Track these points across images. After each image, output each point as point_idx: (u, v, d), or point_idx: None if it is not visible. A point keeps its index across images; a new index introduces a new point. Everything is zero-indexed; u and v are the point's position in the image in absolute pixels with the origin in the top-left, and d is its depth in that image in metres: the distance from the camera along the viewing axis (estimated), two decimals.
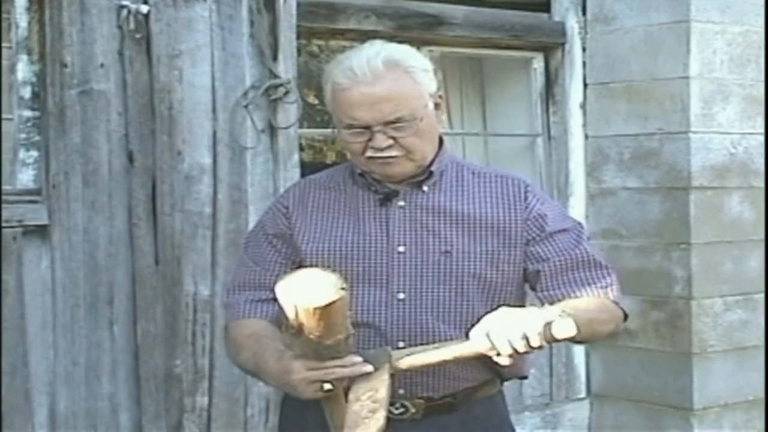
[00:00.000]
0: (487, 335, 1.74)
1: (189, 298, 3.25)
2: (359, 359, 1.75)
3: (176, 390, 3.25)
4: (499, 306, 1.93)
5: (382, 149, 1.89)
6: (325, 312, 1.66)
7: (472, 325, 1.86)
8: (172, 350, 3.23)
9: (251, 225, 3.19)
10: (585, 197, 4.19)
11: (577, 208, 4.16)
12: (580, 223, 2.04)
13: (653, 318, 4.01)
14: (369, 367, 1.74)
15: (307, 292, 1.65)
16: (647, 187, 4.01)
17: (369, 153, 1.90)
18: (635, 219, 4.05)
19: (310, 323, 1.67)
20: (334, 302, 1.65)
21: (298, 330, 1.69)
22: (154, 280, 3.22)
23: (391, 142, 1.89)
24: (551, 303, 1.90)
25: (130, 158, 3.19)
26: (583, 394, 4.24)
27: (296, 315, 1.67)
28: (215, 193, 3.28)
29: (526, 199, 1.98)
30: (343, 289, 1.66)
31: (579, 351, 4.18)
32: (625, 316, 2.00)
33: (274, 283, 1.97)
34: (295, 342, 1.73)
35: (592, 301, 1.93)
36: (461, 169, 2.03)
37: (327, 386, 1.72)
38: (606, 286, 1.96)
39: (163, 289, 3.22)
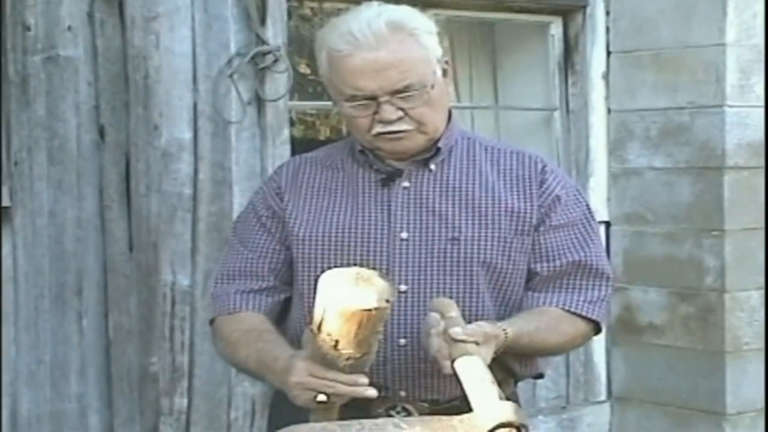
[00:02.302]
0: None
1: (166, 288, 3.24)
2: (365, 381, 1.73)
3: (152, 390, 3.25)
4: (508, 298, 1.95)
5: (391, 122, 1.89)
6: (355, 318, 1.65)
7: (479, 319, 1.86)
8: (148, 346, 3.23)
9: (236, 207, 3.19)
10: (607, 178, 4.19)
11: (598, 190, 4.16)
12: (591, 213, 2.04)
13: (682, 312, 4.01)
14: (373, 392, 1.73)
15: (347, 290, 1.64)
16: (676, 167, 4.01)
17: (377, 129, 1.90)
18: (663, 202, 4.04)
19: (333, 324, 1.67)
20: (369, 311, 1.64)
21: (318, 328, 1.69)
22: (127, 269, 3.22)
23: (400, 113, 1.89)
24: (522, 304, 1.96)
25: (101, 133, 3.18)
26: (603, 397, 4.25)
27: (324, 310, 1.67)
28: (196, 172, 3.28)
29: (543, 180, 1.98)
30: (387, 301, 1.65)
31: (599, 349, 4.19)
32: (597, 330, 2.02)
33: (268, 270, 1.99)
34: (311, 341, 1.73)
35: (552, 318, 1.95)
36: (472, 144, 2.02)
37: (321, 397, 1.72)
38: (591, 302, 1.98)
39: (137, 278, 3.22)
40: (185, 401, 3.29)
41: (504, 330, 1.82)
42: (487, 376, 1.68)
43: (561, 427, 4.16)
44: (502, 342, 1.80)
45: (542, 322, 1.93)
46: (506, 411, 1.62)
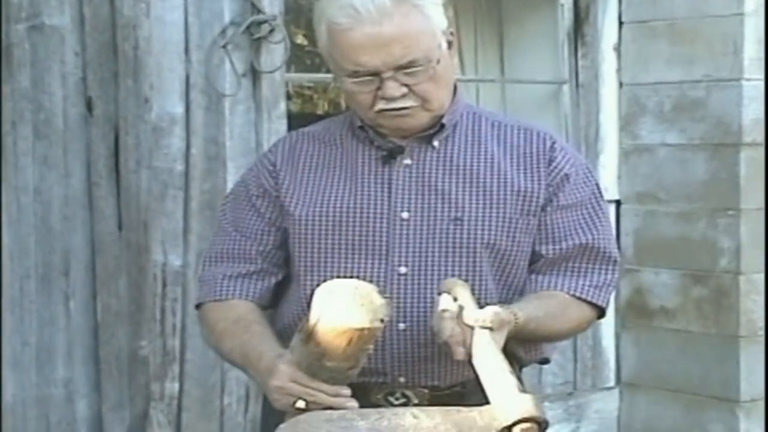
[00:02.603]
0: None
1: (157, 269, 3.24)
2: (347, 392, 1.75)
3: (142, 375, 3.25)
4: (511, 281, 1.96)
5: (395, 99, 1.88)
6: (346, 335, 1.67)
7: (482, 302, 1.86)
8: (138, 329, 3.24)
9: (230, 184, 3.18)
10: (618, 155, 4.18)
11: (609, 167, 4.16)
12: (600, 192, 2.04)
13: (695, 295, 4.01)
14: (354, 404, 1.74)
15: (342, 305, 1.66)
16: (691, 144, 4.00)
17: (380, 105, 1.89)
18: (676, 180, 4.04)
19: (324, 337, 1.69)
20: (361, 330, 1.66)
21: (308, 337, 1.70)
22: (116, 248, 3.22)
23: (404, 90, 1.88)
24: (526, 287, 1.97)
25: (89, 106, 3.17)
26: (611, 383, 4.26)
27: (317, 321, 1.68)
28: (188, 147, 3.27)
29: (552, 158, 1.98)
30: (381, 321, 1.67)
31: (608, 333, 4.20)
32: (601, 314, 2.03)
33: (256, 253, 1.99)
34: (298, 347, 1.74)
35: (560, 303, 1.96)
36: (478, 119, 2.02)
37: (300, 404, 1.74)
38: (597, 287, 1.99)
39: (127, 258, 3.22)
40: (176, 386, 3.30)
41: (515, 315, 1.82)
42: (505, 366, 1.68)
43: (567, 414, 4.16)
44: (512, 326, 1.81)
45: (549, 307, 1.93)
46: (527, 405, 1.63)
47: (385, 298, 1.69)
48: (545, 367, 3.83)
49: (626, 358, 4.24)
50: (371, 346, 1.72)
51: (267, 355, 1.83)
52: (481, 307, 1.82)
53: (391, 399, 1.93)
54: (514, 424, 1.61)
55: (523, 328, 1.83)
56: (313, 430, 1.66)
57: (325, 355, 1.70)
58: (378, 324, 1.67)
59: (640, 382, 4.20)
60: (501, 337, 1.75)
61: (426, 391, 1.94)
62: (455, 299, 1.79)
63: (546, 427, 1.63)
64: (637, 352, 4.20)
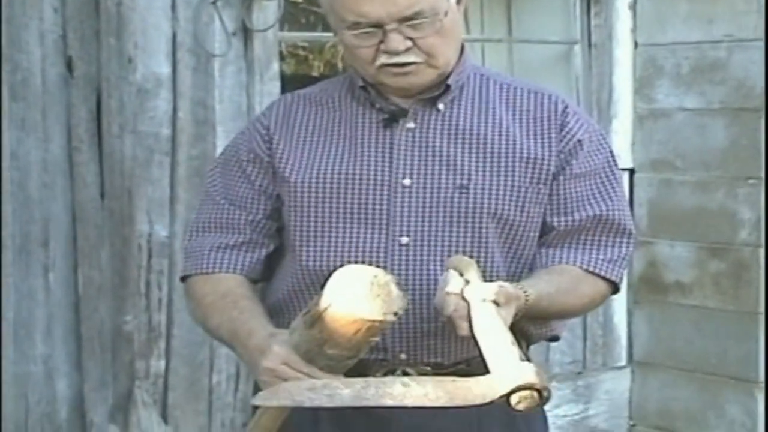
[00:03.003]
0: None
1: (142, 239, 3.25)
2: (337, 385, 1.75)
3: (126, 352, 3.26)
4: (520, 254, 1.96)
5: (398, 53, 1.88)
6: (355, 325, 1.68)
7: (489, 275, 1.87)
8: (121, 303, 3.24)
9: (219, 150, 3.17)
10: (632, 120, 4.17)
11: (622, 133, 4.15)
12: (615, 160, 2.05)
13: (712, 269, 4.02)
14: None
15: (357, 293, 1.66)
16: (710, 108, 3.99)
17: (382, 60, 1.89)
18: (694, 147, 4.03)
19: (331, 324, 1.69)
20: (372, 322, 1.67)
21: (314, 321, 1.70)
22: (99, 218, 3.22)
23: (409, 44, 1.88)
24: (536, 261, 1.98)
25: (69, 66, 3.16)
26: (623, 362, 4.27)
27: (327, 306, 1.68)
28: (175, 110, 3.27)
29: (564, 124, 1.98)
30: (395, 314, 1.67)
31: (619, 309, 4.21)
32: (615, 290, 2.04)
33: (245, 223, 1.99)
34: (300, 329, 1.74)
35: (572, 278, 1.96)
36: (486, 81, 2.02)
37: None
38: (611, 261, 1.99)
39: (110, 228, 3.22)
40: (162, 364, 3.31)
41: (525, 292, 1.82)
42: (508, 338, 1.68)
43: (576, 394, 4.18)
44: (522, 304, 1.81)
45: (562, 282, 1.94)
46: (526, 372, 1.62)
47: (402, 290, 1.69)
48: (553, 344, 3.87)
49: (639, 335, 4.24)
50: (378, 338, 1.73)
51: (258, 333, 1.83)
52: (488, 282, 1.82)
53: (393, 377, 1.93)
54: (512, 392, 1.61)
55: (534, 305, 1.83)
56: (295, 396, 1.67)
57: (328, 342, 1.70)
58: (391, 317, 1.67)
59: (654, 361, 4.21)
60: (508, 314, 1.76)
61: (428, 368, 1.94)
62: (461, 275, 1.79)
63: (548, 397, 1.63)
64: (650, 330, 4.21)
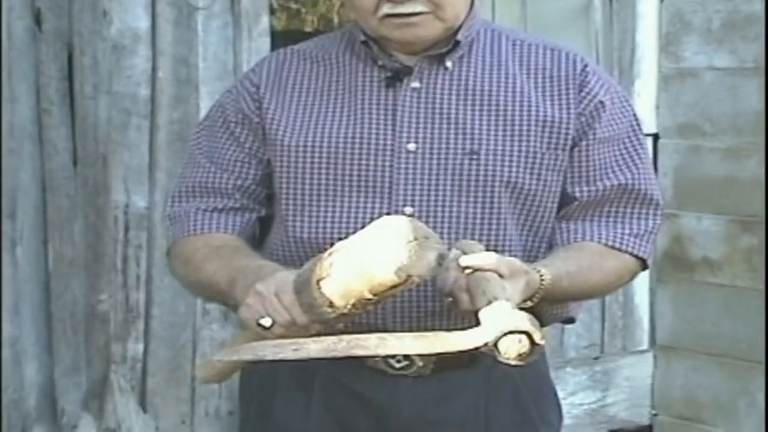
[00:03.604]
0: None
1: (119, 211, 3.25)
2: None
3: (101, 334, 3.27)
4: (536, 226, 1.97)
5: (403, 2, 1.88)
6: (373, 286, 1.68)
7: (502, 250, 1.88)
8: (96, 281, 3.25)
9: (203, 113, 3.17)
10: (657, 80, 4.17)
11: (646, 95, 4.15)
12: (639, 124, 2.06)
13: (743, 245, 4.02)
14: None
15: (383, 249, 1.66)
16: (742, 67, 3.98)
17: (385, 9, 1.89)
18: (724, 110, 4.03)
19: (345, 279, 1.69)
20: (392, 287, 1.67)
21: (320, 278, 1.71)
22: (71, 187, 3.22)
23: None
24: (555, 237, 2.00)
25: (38, 20, 3.16)
26: (645, 346, 4.29)
27: (342, 248, 1.70)
28: (154, 69, 3.27)
29: (583, 84, 1.99)
30: (409, 277, 1.67)
31: (641, 288, 4.22)
32: (644, 266, 2.06)
33: (234, 188, 2.01)
34: (306, 272, 1.75)
35: (594, 254, 1.98)
36: (497, 37, 2.02)
37: (266, 321, 1.76)
38: (638, 235, 2.01)
39: (83, 198, 3.23)
40: (141, 347, 3.32)
41: (539, 272, 1.83)
42: (503, 294, 1.69)
43: (593, 381, 4.19)
44: (537, 285, 1.82)
45: (583, 259, 1.95)
46: (515, 318, 1.64)
47: (441, 248, 1.69)
48: (568, 327, 3.88)
49: (662, 317, 4.26)
50: (378, 301, 1.73)
51: (271, 266, 1.85)
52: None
53: (392, 361, 1.94)
54: (499, 339, 1.63)
55: (552, 286, 1.85)
56: (257, 351, 1.70)
57: (333, 303, 1.71)
58: (413, 281, 1.67)
59: (678, 344, 4.22)
60: (515, 289, 1.76)
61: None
62: (464, 254, 1.79)
63: (540, 346, 1.64)
64: (674, 311, 4.22)
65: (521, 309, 1.71)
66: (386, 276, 1.67)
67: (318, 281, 1.72)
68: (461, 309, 1.76)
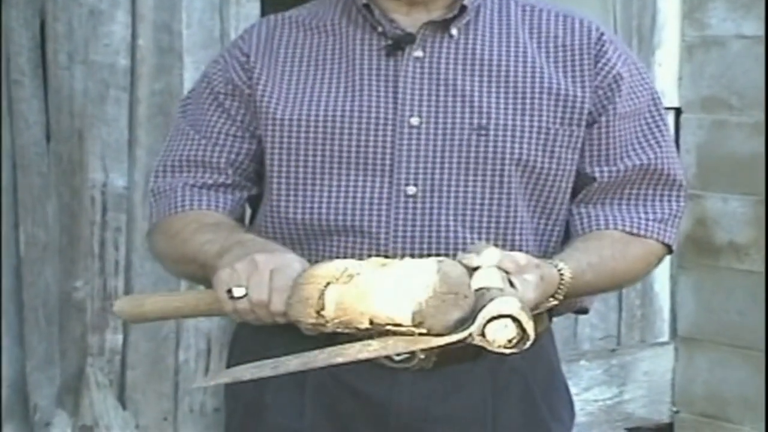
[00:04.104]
0: None
1: (95, 190, 3.25)
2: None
3: (76, 324, 3.28)
4: (549, 209, 1.98)
5: None
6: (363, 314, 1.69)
7: (512, 235, 1.89)
8: (71, 267, 3.25)
9: (187, 85, 3.18)
10: (679, 50, 4.18)
11: (667, 66, 4.15)
12: (659, 99, 2.06)
13: None
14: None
15: (410, 284, 1.66)
16: None
17: None
18: (752, 82, 4.03)
19: (348, 292, 1.70)
20: (390, 322, 1.67)
21: (347, 276, 1.71)
22: (43, 165, 3.22)
23: None
24: (571, 223, 2.01)
25: None
26: (665, 337, 4.30)
27: (357, 273, 1.70)
28: (134, 37, 3.27)
29: (599, 54, 1.99)
30: (419, 324, 1.66)
31: (661, 275, 4.23)
32: (669, 251, 2.07)
33: (226, 163, 2.01)
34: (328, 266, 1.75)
35: (616, 241, 1.98)
36: (506, 3, 2.02)
37: (238, 291, 1.75)
38: (662, 220, 2.02)
39: (57, 177, 3.23)
40: (120, 338, 3.32)
41: (556, 266, 1.84)
42: (502, 288, 1.69)
43: (609, 375, 4.21)
44: (556, 281, 1.83)
45: (604, 248, 1.96)
46: (499, 304, 1.63)
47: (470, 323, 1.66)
48: (582, 317, 3.89)
49: (684, 306, 4.26)
50: (375, 326, 1.72)
51: (275, 245, 1.85)
52: (506, 239, 1.85)
53: (394, 356, 1.94)
54: (484, 327, 1.62)
55: (575, 280, 1.85)
56: (236, 374, 1.72)
57: (324, 314, 1.72)
58: (413, 327, 1.66)
59: (701, 336, 4.23)
60: (526, 286, 1.74)
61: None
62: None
63: (527, 331, 1.63)
64: (697, 299, 4.23)
65: (545, 307, 1.71)
66: (398, 311, 1.66)
67: (327, 284, 1.72)
68: None
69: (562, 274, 1.84)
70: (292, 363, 1.71)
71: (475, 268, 1.74)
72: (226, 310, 1.78)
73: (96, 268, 3.27)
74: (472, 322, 1.63)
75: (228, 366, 2.09)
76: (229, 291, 1.76)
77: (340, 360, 1.68)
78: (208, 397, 3.45)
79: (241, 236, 1.90)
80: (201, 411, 3.45)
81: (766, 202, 3.93)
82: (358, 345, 1.70)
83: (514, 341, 1.63)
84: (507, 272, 1.74)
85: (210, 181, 2.02)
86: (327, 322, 1.73)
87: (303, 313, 1.73)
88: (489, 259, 1.74)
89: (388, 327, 1.68)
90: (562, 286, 1.84)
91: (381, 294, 1.68)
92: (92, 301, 3.28)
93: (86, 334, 3.28)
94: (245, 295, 1.75)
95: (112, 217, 3.28)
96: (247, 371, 1.72)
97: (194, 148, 2.03)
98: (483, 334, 1.63)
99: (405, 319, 1.66)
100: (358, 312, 1.70)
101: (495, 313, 1.63)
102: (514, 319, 1.62)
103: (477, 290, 1.69)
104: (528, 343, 1.64)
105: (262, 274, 1.75)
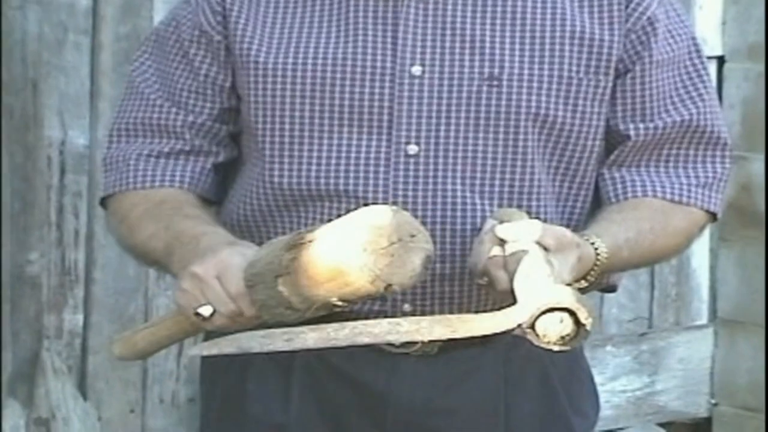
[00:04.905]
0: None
1: (52, 150, 3.26)
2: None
3: (30, 302, 3.28)
4: (573, 171, 1.97)
5: None
6: (327, 274, 1.70)
7: (529, 201, 1.89)
8: (24, 237, 3.26)
9: None
10: None
11: (709, 9, 4.15)
12: (699, 46, 2.06)
13: None
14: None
15: (360, 235, 1.67)
16: None
17: None
18: None
19: (304, 258, 1.71)
20: (348, 282, 1.69)
21: (290, 245, 1.72)
22: None
23: None
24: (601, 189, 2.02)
25: None
26: (703, 320, 4.31)
27: (311, 239, 1.71)
28: None
29: None
30: (387, 287, 1.69)
31: (699, 249, 4.23)
32: (714, 218, 2.08)
33: (188, 126, 2.01)
34: (271, 248, 1.76)
35: (656, 211, 1.99)
36: None
37: (205, 310, 1.79)
38: (706, 185, 2.03)
39: (8, 134, 3.22)
40: (80, 318, 3.34)
41: (593, 244, 1.84)
42: (546, 270, 1.70)
43: (639, 362, 4.21)
44: (592, 260, 1.83)
45: (643, 221, 1.96)
46: (556, 292, 1.64)
47: (427, 267, 1.70)
48: (609, 296, 3.89)
49: (725, 284, 4.27)
50: (347, 306, 1.75)
51: (212, 237, 1.86)
52: (522, 206, 1.85)
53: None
54: (536, 319, 1.63)
55: (611, 259, 1.85)
56: (242, 343, 1.72)
57: (288, 276, 1.73)
58: (378, 286, 1.68)
59: (745, 318, 4.24)
60: (564, 265, 1.76)
61: None
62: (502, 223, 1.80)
63: (587, 328, 1.64)
64: (740, 277, 4.24)
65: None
66: (360, 285, 1.68)
67: (276, 277, 1.74)
68: (498, 290, 1.77)
69: (598, 253, 1.85)
70: (310, 337, 1.71)
71: (502, 241, 1.76)
72: (210, 329, 1.82)
73: (53, 238, 3.28)
74: (522, 310, 1.63)
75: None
76: (197, 314, 1.79)
77: (366, 340, 1.69)
78: (181, 385, 3.45)
79: (179, 227, 1.91)
80: (173, 401, 3.46)
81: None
82: (386, 323, 1.71)
83: (568, 338, 1.64)
84: (546, 248, 1.75)
85: (166, 149, 2.02)
86: (307, 314, 1.75)
87: (277, 314, 1.76)
88: (529, 232, 1.75)
89: (364, 298, 1.72)
90: (596, 266, 1.85)
91: (326, 274, 1.70)
92: (49, 277, 3.29)
93: (41, 314, 3.29)
94: (214, 312, 1.78)
95: (72, 180, 3.28)
96: (255, 340, 1.73)
97: (149, 109, 2.03)
98: (533, 326, 1.63)
99: (369, 289, 1.68)
100: (323, 296, 1.73)
101: (551, 305, 1.63)
102: (571, 313, 1.63)
103: (512, 253, 1.72)
104: (583, 341, 1.65)
105: (212, 286, 1.78)
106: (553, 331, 1.63)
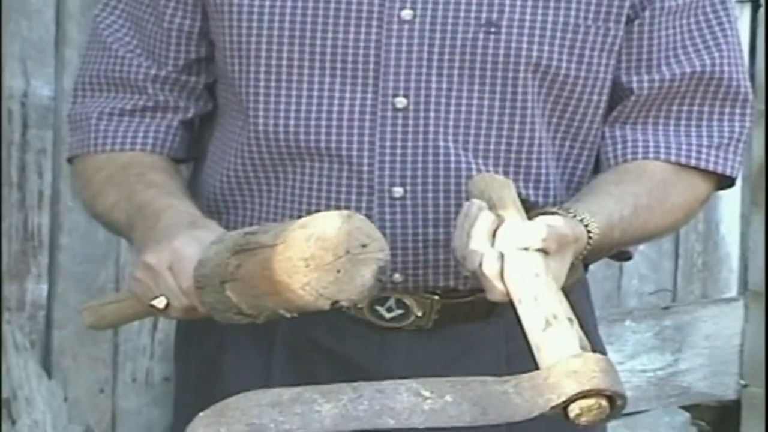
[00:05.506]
0: None
1: (14, 102, 3.27)
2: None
3: None
4: (576, 128, 1.98)
5: None
6: (268, 285, 1.71)
7: (528, 161, 1.91)
8: None
9: None
10: None
11: None
12: None
13: None
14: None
15: (302, 266, 1.68)
16: None
17: None
18: None
19: (251, 263, 1.72)
20: (292, 293, 1.70)
21: (241, 247, 1.74)
22: None
23: None
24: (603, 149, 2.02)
25: None
26: (732, 292, 4.33)
27: (269, 243, 1.72)
28: None
29: None
30: (334, 304, 1.70)
31: (728, 214, 4.24)
32: (728, 183, 2.06)
33: (151, 79, 2.02)
34: (229, 242, 1.77)
35: (657, 184, 1.98)
36: None
37: (159, 302, 1.82)
38: (720, 146, 2.01)
39: None
40: (44, 289, 3.36)
41: (586, 226, 1.82)
42: (561, 310, 1.69)
43: (661, 338, 4.22)
44: (582, 246, 1.82)
45: (641, 195, 1.95)
46: (591, 370, 1.63)
47: (379, 279, 1.70)
48: (626, 265, 3.89)
49: (756, 253, 4.28)
50: (292, 315, 1.75)
51: (173, 215, 1.88)
52: (533, 183, 1.87)
53: (380, 309, 1.96)
54: (571, 400, 1.62)
55: (600, 241, 1.84)
56: (251, 419, 1.67)
57: (235, 282, 1.74)
58: (323, 303, 1.70)
59: None
60: (562, 266, 1.76)
61: (435, 297, 1.97)
62: (491, 208, 1.78)
63: (622, 406, 1.64)
64: None
65: None
66: (304, 303, 1.70)
67: (222, 283, 1.75)
68: (490, 299, 1.76)
69: (590, 236, 1.83)
70: (327, 416, 1.65)
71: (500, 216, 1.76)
72: (166, 318, 1.87)
73: (14, 200, 3.29)
74: (557, 391, 1.62)
75: (178, 324, 2.11)
76: (153, 306, 1.82)
77: (390, 423, 1.64)
78: (156, 362, 3.47)
79: (142, 197, 1.93)
80: (146, 380, 3.48)
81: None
82: (406, 394, 1.66)
83: (600, 419, 1.63)
84: (546, 252, 1.73)
85: (129, 105, 2.04)
86: (258, 320, 1.77)
87: (228, 318, 1.78)
88: (531, 238, 1.73)
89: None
90: (585, 250, 1.83)
91: (270, 288, 1.72)
92: (9, 242, 3.30)
93: (1, 284, 3.29)
94: (168, 304, 1.81)
95: (35, 136, 3.30)
96: (266, 416, 1.66)
97: (111, 61, 2.04)
98: (564, 410, 1.62)
99: (314, 306, 1.70)
100: (271, 307, 1.74)
101: (589, 388, 1.61)
102: (607, 397, 1.61)
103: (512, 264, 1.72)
104: (615, 418, 1.65)
105: (164, 278, 1.80)
106: (586, 414, 1.63)
